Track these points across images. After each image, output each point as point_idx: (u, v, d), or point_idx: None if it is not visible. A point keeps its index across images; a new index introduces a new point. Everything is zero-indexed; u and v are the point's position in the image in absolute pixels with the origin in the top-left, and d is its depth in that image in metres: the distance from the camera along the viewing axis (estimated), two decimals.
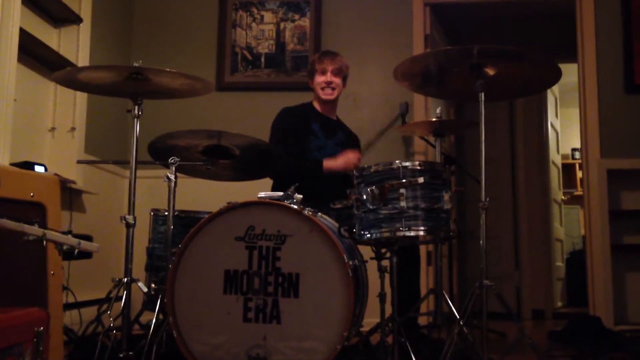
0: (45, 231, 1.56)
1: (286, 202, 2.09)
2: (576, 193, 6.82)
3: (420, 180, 2.05)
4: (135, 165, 2.22)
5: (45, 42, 3.07)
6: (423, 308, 3.02)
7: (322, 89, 2.91)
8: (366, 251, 2.30)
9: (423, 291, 2.98)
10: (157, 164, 2.48)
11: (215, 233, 2.08)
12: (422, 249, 3.55)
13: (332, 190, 2.85)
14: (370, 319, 2.31)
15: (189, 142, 2.42)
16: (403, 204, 2.03)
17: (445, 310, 2.72)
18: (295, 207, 2.05)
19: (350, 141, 3.05)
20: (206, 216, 2.10)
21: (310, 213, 2.05)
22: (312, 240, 2.01)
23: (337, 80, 2.91)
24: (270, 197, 2.15)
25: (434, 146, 3.61)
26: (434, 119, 2.82)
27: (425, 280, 3.64)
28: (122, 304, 2.10)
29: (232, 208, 2.08)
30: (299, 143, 2.88)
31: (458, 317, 2.26)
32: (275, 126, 2.95)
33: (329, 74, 2.90)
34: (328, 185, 2.81)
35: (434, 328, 2.73)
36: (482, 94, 2.20)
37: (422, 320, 3.22)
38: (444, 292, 2.69)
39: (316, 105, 3.01)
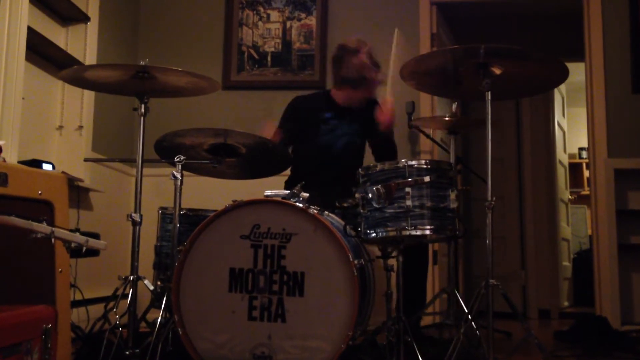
0: (53, 229, 1.57)
1: (292, 201, 2.10)
2: (583, 192, 6.79)
3: (427, 179, 2.05)
4: (142, 163, 2.23)
5: (53, 41, 3.08)
6: (429, 307, 3.01)
7: None
8: (374, 250, 2.30)
9: (429, 290, 2.98)
10: (163, 162, 2.49)
11: (220, 231, 2.09)
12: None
13: (341, 184, 2.86)
14: (378, 318, 2.31)
15: (194, 141, 2.43)
16: (409, 202, 2.04)
17: (453, 309, 2.71)
18: (301, 205, 2.06)
19: (367, 115, 2.99)
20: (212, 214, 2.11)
21: (315, 212, 2.05)
22: (317, 239, 2.01)
23: None
24: (276, 196, 2.15)
25: (440, 144, 3.61)
26: (447, 118, 2.80)
27: (431, 279, 3.63)
28: (129, 302, 2.12)
29: (237, 206, 2.09)
30: (302, 129, 2.89)
31: (465, 316, 2.26)
32: (283, 113, 2.99)
33: None
34: (338, 179, 2.82)
35: (444, 327, 2.72)
36: (489, 93, 2.19)
37: (428, 320, 3.21)
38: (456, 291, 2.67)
39: (336, 93, 2.98)
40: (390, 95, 2.80)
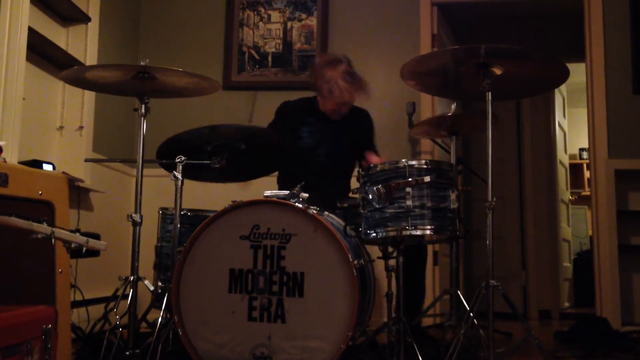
0: (54, 229, 1.57)
1: (291, 201, 2.10)
2: (584, 193, 6.79)
3: (427, 179, 2.05)
4: (142, 163, 2.23)
5: (53, 41, 3.08)
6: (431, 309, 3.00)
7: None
8: (375, 251, 2.30)
9: (430, 291, 2.98)
10: (164, 162, 2.49)
11: (220, 232, 2.09)
12: (429, 248, 3.54)
13: (337, 189, 2.86)
14: (379, 318, 2.31)
15: (194, 144, 2.43)
16: (409, 202, 2.04)
17: (455, 310, 2.70)
18: (300, 206, 2.05)
19: (353, 125, 3.00)
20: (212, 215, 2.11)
21: (315, 212, 2.05)
22: (317, 240, 2.01)
23: None
24: (276, 196, 2.15)
25: (440, 145, 3.61)
26: (449, 114, 2.76)
27: (432, 280, 3.63)
28: (129, 302, 2.12)
29: (237, 207, 2.09)
30: (287, 132, 2.91)
31: (465, 317, 2.26)
32: (273, 118, 3.03)
33: None
34: (326, 181, 2.82)
35: (446, 328, 2.72)
36: (489, 93, 2.19)
37: (430, 321, 3.21)
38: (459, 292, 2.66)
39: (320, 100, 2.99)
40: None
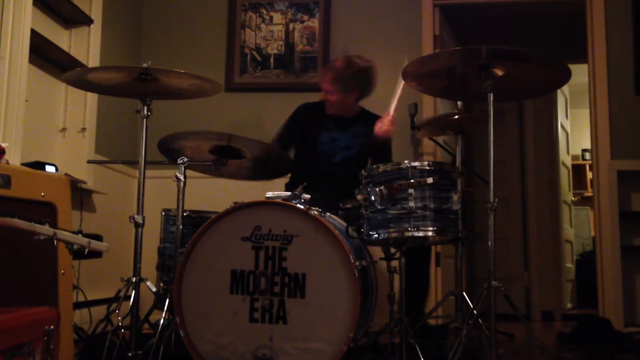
0: (56, 231, 1.57)
1: (292, 202, 2.10)
2: (586, 194, 6.78)
3: (429, 180, 2.05)
4: (144, 165, 2.24)
5: (56, 43, 3.09)
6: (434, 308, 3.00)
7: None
8: (377, 252, 2.30)
9: (433, 292, 2.97)
10: (166, 163, 2.50)
11: (221, 233, 2.09)
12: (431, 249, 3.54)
13: (340, 190, 2.86)
14: (381, 320, 2.31)
15: (197, 144, 2.43)
16: (412, 204, 2.04)
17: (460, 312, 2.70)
18: (302, 207, 2.06)
19: (371, 131, 3.01)
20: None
21: (316, 213, 2.05)
22: (318, 241, 2.02)
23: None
24: (277, 197, 2.16)
25: (442, 146, 3.61)
26: (456, 111, 2.77)
27: (434, 281, 3.63)
28: (131, 303, 2.12)
29: (238, 208, 2.09)
30: (304, 135, 2.93)
31: (468, 318, 2.25)
32: (289, 117, 3.06)
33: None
34: (336, 185, 2.82)
35: (452, 330, 2.71)
36: (491, 94, 2.19)
37: (432, 322, 3.20)
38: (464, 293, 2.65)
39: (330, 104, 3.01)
40: (394, 111, 2.87)
